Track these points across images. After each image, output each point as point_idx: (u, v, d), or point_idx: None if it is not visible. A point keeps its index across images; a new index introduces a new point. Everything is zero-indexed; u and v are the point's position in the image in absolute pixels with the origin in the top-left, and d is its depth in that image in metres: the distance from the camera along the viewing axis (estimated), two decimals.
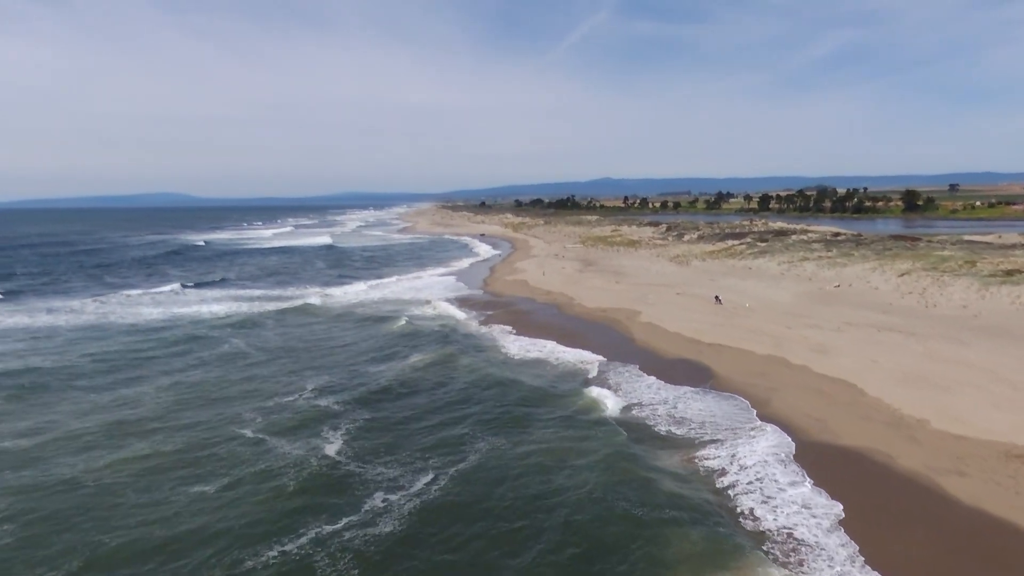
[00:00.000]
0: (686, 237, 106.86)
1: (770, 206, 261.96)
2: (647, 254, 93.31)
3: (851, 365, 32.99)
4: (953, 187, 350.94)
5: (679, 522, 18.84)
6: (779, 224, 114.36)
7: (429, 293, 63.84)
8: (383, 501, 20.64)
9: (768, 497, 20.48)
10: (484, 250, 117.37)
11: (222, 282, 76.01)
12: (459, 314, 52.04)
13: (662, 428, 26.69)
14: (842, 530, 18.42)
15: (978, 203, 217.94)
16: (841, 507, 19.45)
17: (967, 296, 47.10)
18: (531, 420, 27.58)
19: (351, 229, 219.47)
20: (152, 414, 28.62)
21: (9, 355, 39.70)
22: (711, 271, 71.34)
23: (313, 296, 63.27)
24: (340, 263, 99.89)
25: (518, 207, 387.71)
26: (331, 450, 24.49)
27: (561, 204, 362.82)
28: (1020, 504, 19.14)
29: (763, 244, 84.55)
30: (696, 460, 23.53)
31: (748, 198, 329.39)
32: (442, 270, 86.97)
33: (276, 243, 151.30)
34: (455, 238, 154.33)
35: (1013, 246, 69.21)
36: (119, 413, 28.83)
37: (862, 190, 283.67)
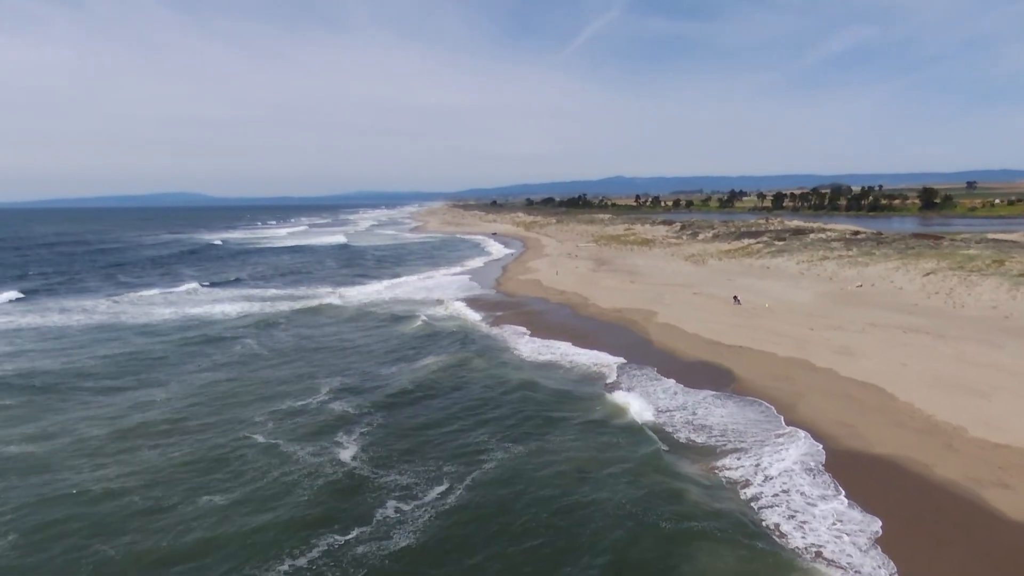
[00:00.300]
0: (701, 236, 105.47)
1: (784, 204, 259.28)
2: (661, 253, 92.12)
3: (879, 368, 31.86)
4: (970, 185, 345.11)
5: (709, 537, 17.93)
6: (796, 222, 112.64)
7: (442, 293, 63.17)
8: (396, 511, 19.91)
9: (799, 511, 19.46)
10: (496, 249, 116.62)
11: (236, 282, 75.77)
12: (473, 315, 51.30)
13: (684, 435, 25.70)
14: (879, 548, 17.40)
15: (997, 200, 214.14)
16: (880, 523, 18.39)
17: (997, 296, 45.66)
18: (551, 427, 26.74)
19: (364, 228, 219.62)
20: (162, 418, 28.07)
21: (21, 355, 39.45)
22: (728, 271, 70.09)
23: (327, 296, 62.80)
24: (354, 262, 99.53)
25: (529, 206, 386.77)
26: (345, 456, 23.81)
27: (572, 203, 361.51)
28: None
29: (780, 243, 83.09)
30: (722, 470, 22.56)
31: (762, 196, 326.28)
32: (455, 269, 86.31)
33: (290, 242, 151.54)
34: (467, 237, 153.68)
35: None
36: (129, 417, 28.31)
37: (877, 188, 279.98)
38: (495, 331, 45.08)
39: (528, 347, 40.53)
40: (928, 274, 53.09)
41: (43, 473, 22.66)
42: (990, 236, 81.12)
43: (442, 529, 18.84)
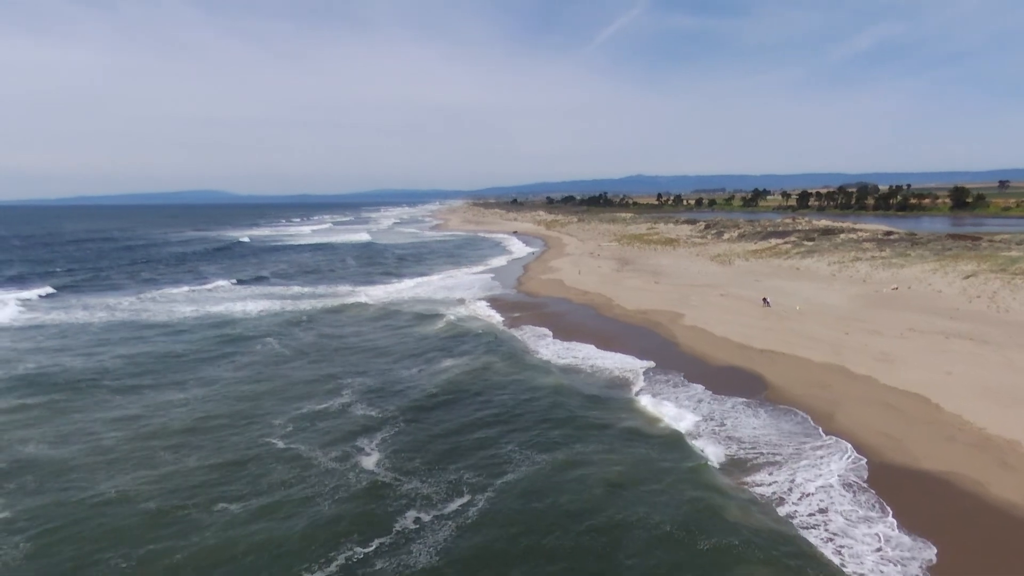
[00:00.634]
0: (726, 235, 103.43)
1: (809, 203, 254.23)
2: (686, 253, 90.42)
3: (922, 376, 30.30)
4: (1003, 184, 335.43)
5: (748, 560, 16.78)
6: (824, 222, 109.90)
7: (464, 292, 62.42)
8: (417, 523, 19.11)
9: (839, 533, 18.17)
10: (518, 248, 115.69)
11: (260, 280, 75.77)
12: (495, 315, 50.44)
13: (718, 447, 24.41)
14: None
15: None
16: (935, 550, 17.05)
17: None
18: (578, 437, 25.64)
19: (386, 226, 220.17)
20: (180, 421, 27.58)
21: (42, 352, 39.46)
22: (755, 271, 68.31)
23: (349, 295, 62.41)
24: (376, 261, 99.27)
25: (550, 204, 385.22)
26: (366, 464, 23.08)
27: (593, 201, 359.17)
28: None
29: (810, 243, 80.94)
30: (759, 485, 21.31)
31: (786, 195, 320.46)
32: (477, 268, 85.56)
33: (315, 240, 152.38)
34: (488, 236, 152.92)
35: None
36: (146, 419, 27.89)
37: (905, 187, 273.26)
38: (518, 333, 44.15)
39: (552, 349, 39.54)
40: (968, 277, 50.97)
41: (58, 477, 22.23)
42: None
43: (466, 547, 17.93)
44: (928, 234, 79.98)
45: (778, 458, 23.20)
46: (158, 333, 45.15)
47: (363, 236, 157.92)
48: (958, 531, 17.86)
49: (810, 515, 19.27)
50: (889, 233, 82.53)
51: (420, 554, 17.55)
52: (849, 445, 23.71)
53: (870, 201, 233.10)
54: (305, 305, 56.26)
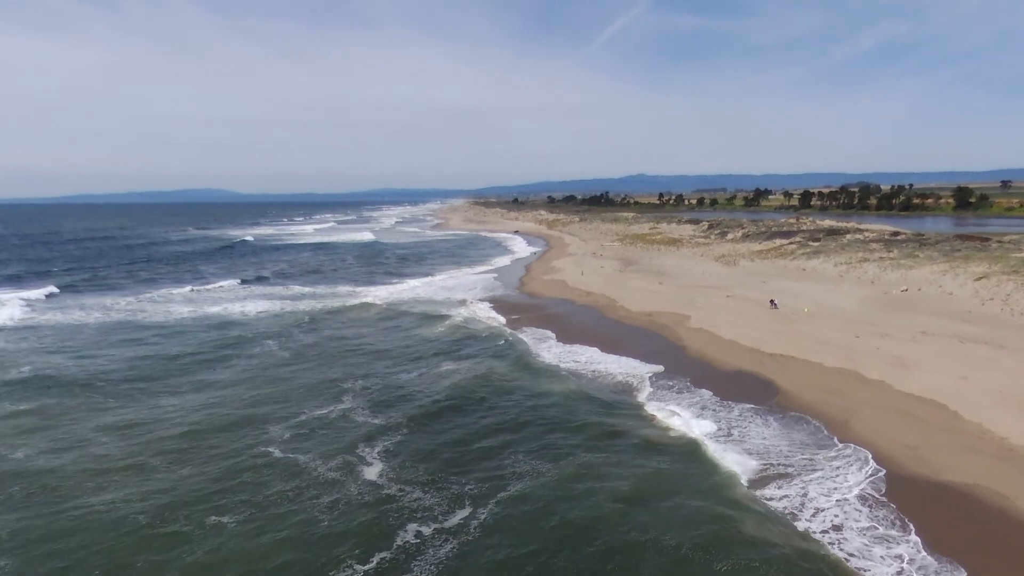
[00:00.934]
0: (730, 236, 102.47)
1: (812, 203, 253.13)
2: (689, 253, 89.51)
3: (937, 382, 29.43)
4: (1005, 184, 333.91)
5: None
6: (828, 222, 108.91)
7: (466, 293, 61.61)
8: (418, 536, 18.28)
9: (862, 554, 17.26)
10: (520, 248, 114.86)
11: (260, 280, 74.94)
12: (498, 317, 49.61)
13: (731, 456, 23.63)
14: None
15: None
16: (964, 574, 16.15)
17: None
18: (584, 446, 24.79)
19: (388, 225, 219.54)
20: (174, 429, 26.74)
21: (36, 353, 38.67)
22: (761, 272, 67.40)
23: (350, 296, 61.61)
24: (378, 260, 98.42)
25: (551, 204, 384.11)
26: (367, 475, 22.28)
27: (595, 201, 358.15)
28: None
29: (816, 243, 80.00)
30: (772, 500, 20.45)
31: (788, 195, 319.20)
32: (479, 268, 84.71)
33: (317, 239, 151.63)
34: (490, 235, 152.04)
35: None
36: (139, 427, 27.05)
37: (908, 187, 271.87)
38: (521, 335, 43.29)
39: (555, 353, 38.71)
40: (980, 278, 50.03)
41: (46, 488, 21.39)
42: None
43: (471, 565, 17.08)
44: (936, 234, 79.01)
45: (790, 470, 22.35)
46: (155, 335, 44.34)
47: (366, 235, 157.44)
48: (988, 552, 16.98)
49: (825, 531, 18.43)
50: (896, 233, 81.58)
51: (421, 572, 16.72)
52: (869, 454, 22.86)
53: (873, 201, 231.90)
54: (306, 306, 55.47)
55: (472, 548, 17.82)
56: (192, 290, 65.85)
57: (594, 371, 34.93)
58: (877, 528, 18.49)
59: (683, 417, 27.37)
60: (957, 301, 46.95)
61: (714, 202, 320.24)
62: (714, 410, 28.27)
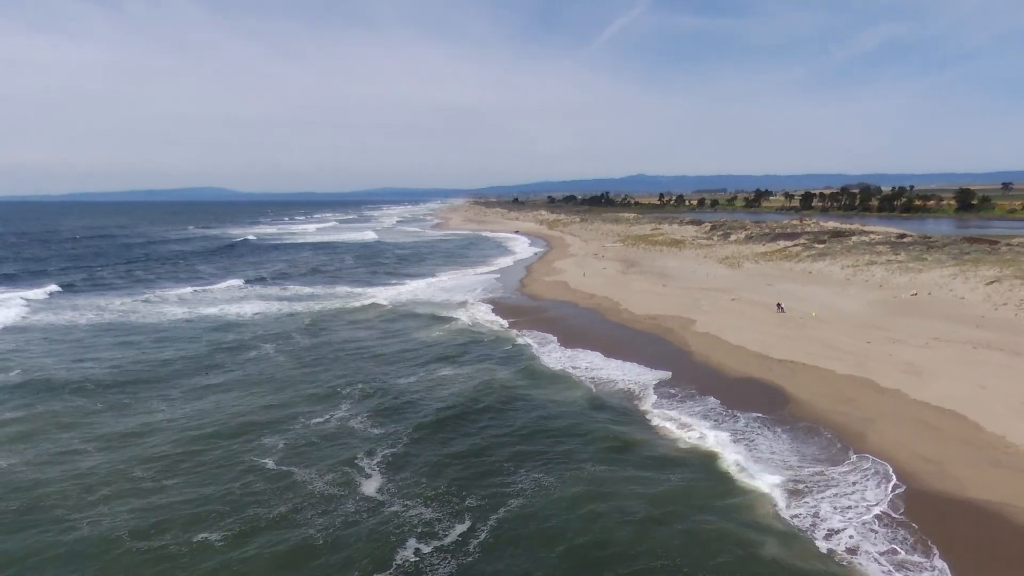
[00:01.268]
0: (733, 237, 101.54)
1: (813, 204, 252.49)
2: (692, 255, 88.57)
3: (955, 391, 28.47)
4: (1006, 186, 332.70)
5: None
6: (832, 223, 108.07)
7: (467, 295, 60.68)
8: (417, 555, 17.28)
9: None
10: (520, 248, 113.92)
11: (259, 280, 73.91)
12: (499, 320, 48.65)
13: (745, 468, 22.66)
14: None
15: None
16: None
17: None
18: (592, 457, 23.73)
19: (389, 225, 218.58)
20: (163, 438, 25.74)
21: (25, 355, 37.71)
22: (767, 275, 66.45)
23: (349, 298, 60.65)
24: (378, 261, 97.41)
25: (551, 204, 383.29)
26: (365, 489, 21.27)
27: (595, 201, 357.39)
28: None
29: (821, 246, 79.05)
30: (790, 517, 19.48)
31: (789, 196, 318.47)
32: (479, 269, 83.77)
33: (318, 238, 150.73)
34: (490, 235, 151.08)
35: None
36: (127, 437, 26.03)
37: (909, 188, 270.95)
38: (522, 339, 42.34)
39: (558, 358, 37.76)
40: (991, 283, 49.06)
41: (30, 506, 20.30)
42: None
43: None
44: (944, 237, 78.10)
45: (801, 486, 21.33)
46: (149, 338, 43.35)
47: (368, 235, 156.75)
48: None
49: (848, 551, 17.47)
50: (903, 236, 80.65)
51: None
52: (889, 468, 21.89)
53: (874, 202, 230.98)
54: (304, 307, 54.53)
55: (475, 571, 16.86)
56: (191, 291, 64.80)
57: (598, 377, 33.95)
58: (898, 552, 17.52)
59: (695, 428, 26.40)
60: (969, 306, 45.99)
61: (715, 203, 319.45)
62: (723, 420, 27.28)
